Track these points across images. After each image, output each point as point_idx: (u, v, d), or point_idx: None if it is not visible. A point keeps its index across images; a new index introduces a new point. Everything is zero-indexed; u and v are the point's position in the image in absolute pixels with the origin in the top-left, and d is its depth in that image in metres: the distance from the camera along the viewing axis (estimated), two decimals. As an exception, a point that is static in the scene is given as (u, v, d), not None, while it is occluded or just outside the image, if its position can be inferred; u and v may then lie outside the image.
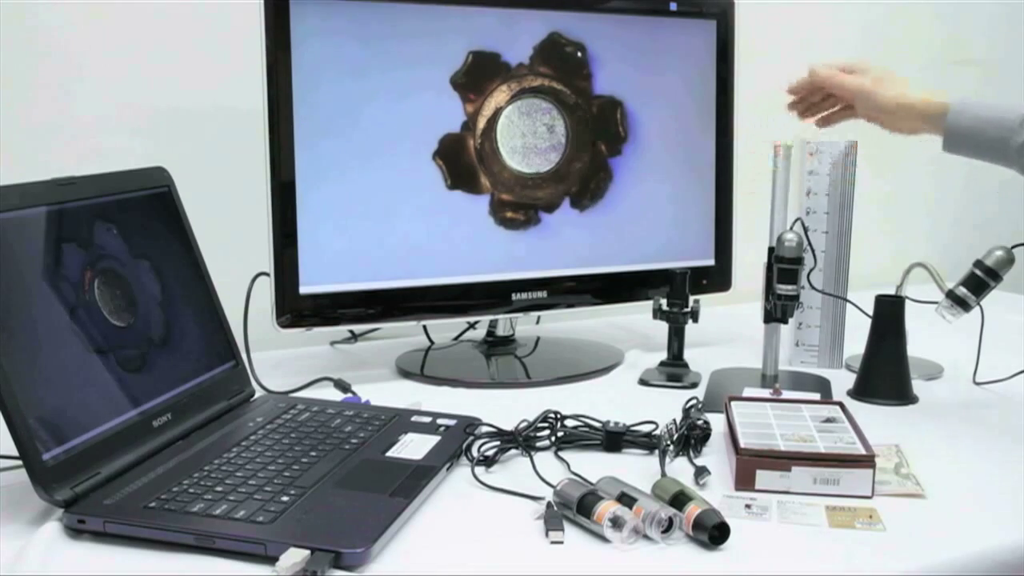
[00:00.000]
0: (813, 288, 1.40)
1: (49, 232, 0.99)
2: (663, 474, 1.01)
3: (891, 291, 1.37)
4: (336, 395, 1.30)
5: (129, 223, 1.10)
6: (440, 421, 1.15)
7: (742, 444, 1.03)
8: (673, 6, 1.49)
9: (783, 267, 1.30)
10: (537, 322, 1.62)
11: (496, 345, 1.53)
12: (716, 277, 1.56)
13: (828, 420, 1.11)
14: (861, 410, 1.21)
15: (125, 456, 0.99)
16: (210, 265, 1.21)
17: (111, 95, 1.44)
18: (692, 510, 0.90)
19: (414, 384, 1.39)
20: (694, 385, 1.37)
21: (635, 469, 1.04)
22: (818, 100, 1.35)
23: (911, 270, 1.43)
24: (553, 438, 1.12)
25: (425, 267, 1.38)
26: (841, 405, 1.16)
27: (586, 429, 1.14)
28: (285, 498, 0.93)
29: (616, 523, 0.89)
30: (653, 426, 1.12)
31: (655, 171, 1.50)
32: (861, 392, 1.31)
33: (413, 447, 1.07)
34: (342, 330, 1.56)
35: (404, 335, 1.57)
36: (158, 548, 0.88)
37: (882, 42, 1.98)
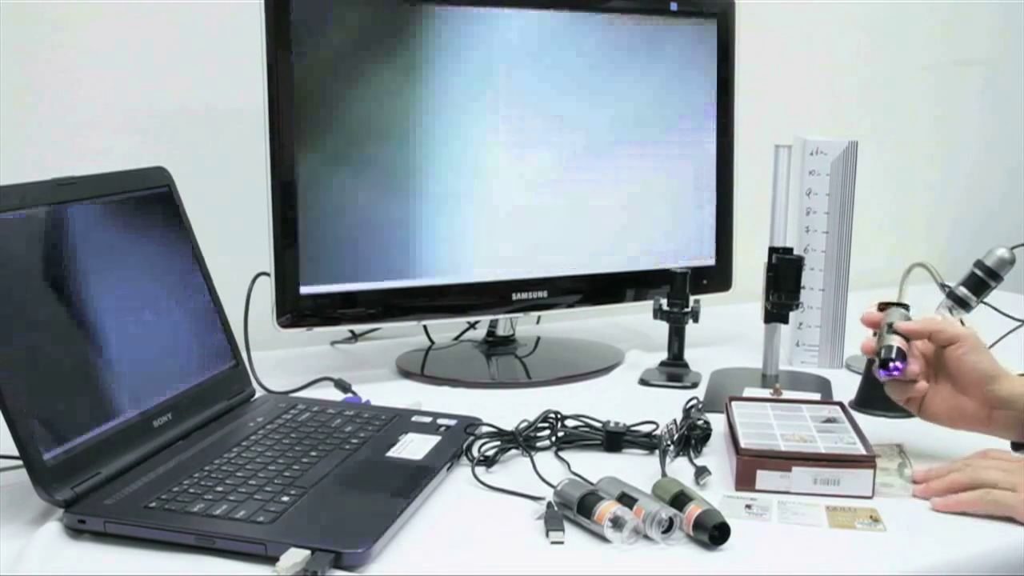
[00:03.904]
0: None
1: (49, 232, 0.99)
2: (663, 474, 1.01)
3: (891, 291, 1.36)
4: (336, 395, 1.30)
5: (129, 223, 1.10)
6: (440, 421, 1.15)
7: (742, 444, 1.03)
8: (673, 6, 1.49)
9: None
10: (537, 322, 1.62)
11: (496, 345, 1.52)
12: (716, 277, 1.56)
13: (828, 420, 1.11)
14: (863, 420, 1.19)
15: (125, 456, 0.98)
16: (210, 265, 1.21)
17: (111, 95, 1.44)
18: (692, 510, 0.90)
19: (414, 384, 1.39)
20: (694, 385, 1.37)
21: (635, 469, 1.04)
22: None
23: (911, 270, 1.43)
24: (553, 438, 1.12)
25: (425, 267, 1.38)
26: (841, 405, 1.16)
27: (586, 429, 1.13)
28: (285, 498, 0.93)
29: (616, 523, 0.89)
30: (653, 426, 1.12)
31: (656, 171, 1.50)
32: (864, 403, 1.26)
33: (413, 447, 1.07)
34: (342, 330, 1.56)
35: (404, 335, 1.57)
36: (158, 548, 0.88)
37: (883, 42, 1.98)
